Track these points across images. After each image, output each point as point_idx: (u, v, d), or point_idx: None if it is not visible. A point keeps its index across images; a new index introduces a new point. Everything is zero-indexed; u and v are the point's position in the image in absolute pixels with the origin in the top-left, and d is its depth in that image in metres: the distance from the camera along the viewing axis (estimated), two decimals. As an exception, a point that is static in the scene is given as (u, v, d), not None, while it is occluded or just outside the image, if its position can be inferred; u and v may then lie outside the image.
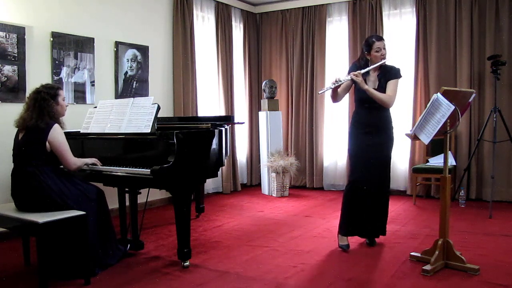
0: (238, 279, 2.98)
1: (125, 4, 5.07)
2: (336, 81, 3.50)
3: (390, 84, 3.53)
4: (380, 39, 3.56)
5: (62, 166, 3.12)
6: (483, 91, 5.45)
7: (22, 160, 2.98)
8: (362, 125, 3.60)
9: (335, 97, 3.65)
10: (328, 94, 3.79)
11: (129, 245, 3.49)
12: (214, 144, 3.38)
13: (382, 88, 3.54)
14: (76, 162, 3.11)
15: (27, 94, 3.19)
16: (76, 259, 2.92)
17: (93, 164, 3.26)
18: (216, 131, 3.40)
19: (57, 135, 2.97)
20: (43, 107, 2.97)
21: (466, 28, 5.49)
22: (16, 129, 3.10)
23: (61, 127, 3.07)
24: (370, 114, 3.58)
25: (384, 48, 3.52)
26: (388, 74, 3.56)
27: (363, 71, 3.48)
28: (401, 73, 3.60)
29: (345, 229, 3.63)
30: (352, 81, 3.52)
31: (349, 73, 3.62)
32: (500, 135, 4.92)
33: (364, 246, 3.67)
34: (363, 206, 3.57)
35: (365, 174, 3.55)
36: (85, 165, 3.21)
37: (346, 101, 3.74)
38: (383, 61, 3.53)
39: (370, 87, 3.49)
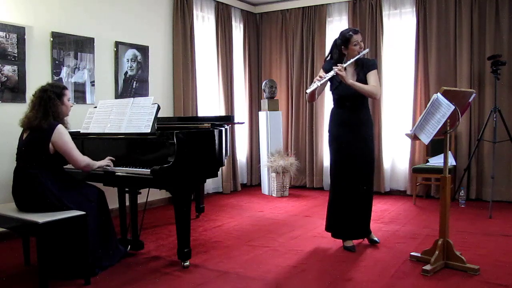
0: (238, 279, 2.98)
1: (125, 4, 5.07)
2: (321, 77, 3.41)
3: (371, 75, 3.47)
4: (357, 32, 3.49)
5: (65, 167, 3.12)
6: (483, 91, 5.45)
7: (24, 160, 2.98)
8: (343, 124, 3.54)
9: (314, 96, 3.56)
10: (307, 97, 3.68)
11: (129, 246, 3.50)
12: (214, 144, 3.38)
13: (361, 81, 3.47)
14: (84, 159, 3.08)
15: (27, 94, 3.20)
16: (76, 259, 2.92)
17: (107, 165, 3.23)
18: (216, 131, 3.40)
19: (60, 135, 2.96)
20: (48, 106, 2.97)
21: (466, 28, 5.49)
22: (20, 129, 3.09)
23: (66, 127, 3.06)
24: (351, 113, 3.53)
25: (361, 41, 3.47)
26: (366, 66, 3.50)
27: (345, 64, 3.40)
28: (377, 64, 3.59)
29: (343, 233, 3.62)
30: (330, 79, 3.46)
31: (324, 70, 3.54)
32: (500, 135, 4.91)
33: (364, 246, 3.67)
34: (350, 207, 3.56)
35: (350, 176, 3.53)
36: (98, 167, 3.19)
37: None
38: (364, 52, 3.45)
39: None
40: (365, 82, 3.47)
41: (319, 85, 3.43)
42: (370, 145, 3.59)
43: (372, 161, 3.63)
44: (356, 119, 3.54)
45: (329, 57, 3.65)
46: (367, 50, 3.53)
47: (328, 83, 3.60)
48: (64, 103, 3.08)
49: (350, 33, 3.47)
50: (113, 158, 3.27)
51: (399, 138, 5.93)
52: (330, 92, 3.68)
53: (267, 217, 4.83)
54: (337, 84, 3.50)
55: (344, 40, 3.48)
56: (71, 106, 3.19)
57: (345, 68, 3.39)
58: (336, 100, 3.61)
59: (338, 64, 3.39)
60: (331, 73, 3.38)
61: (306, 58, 6.58)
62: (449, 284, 2.84)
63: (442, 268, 3.09)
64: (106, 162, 3.23)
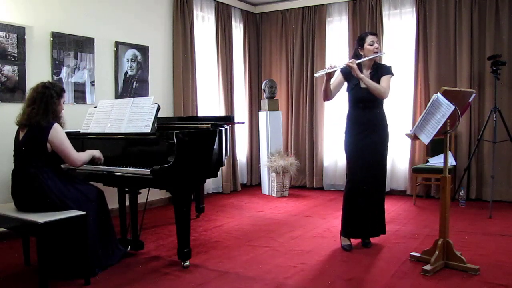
0: (238, 279, 2.98)
1: (125, 4, 5.06)
2: (331, 66, 3.49)
3: (384, 79, 3.55)
4: (373, 33, 3.63)
5: (63, 166, 3.12)
6: (483, 91, 5.45)
7: (23, 160, 2.98)
8: (358, 125, 3.59)
9: (327, 93, 3.62)
10: (321, 94, 3.78)
11: (129, 247, 3.49)
12: (214, 144, 3.38)
13: None
14: (80, 157, 3.08)
15: (28, 92, 3.17)
16: (76, 259, 2.92)
17: (99, 157, 3.24)
18: (216, 131, 3.40)
19: (57, 134, 2.96)
20: (48, 104, 2.96)
21: (466, 28, 5.49)
22: (16, 128, 3.08)
23: (62, 126, 3.06)
24: (365, 113, 3.57)
25: (377, 43, 3.56)
26: (381, 71, 3.59)
27: (358, 61, 3.50)
28: (393, 70, 3.62)
29: (347, 231, 3.63)
30: (344, 74, 3.55)
31: (342, 73, 3.62)
32: (500, 135, 4.91)
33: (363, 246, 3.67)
34: (363, 207, 3.57)
35: (363, 174, 3.55)
36: (90, 155, 3.18)
37: (346, 101, 3.73)
38: (379, 54, 3.55)
39: (362, 85, 3.50)
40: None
41: (326, 72, 3.49)
42: (382, 145, 3.61)
43: (384, 161, 3.66)
44: (369, 119, 3.57)
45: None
46: (383, 53, 3.68)
47: (345, 85, 3.67)
48: (61, 104, 3.09)
49: (366, 33, 3.64)
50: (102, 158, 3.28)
51: (399, 138, 5.92)
52: (346, 94, 3.72)
53: (267, 217, 4.83)
54: (353, 86, 3.58)
55: (360, 39, 3.61)
56: (63, 109, 3.19)
57: (361, 70, 3.51)
58: (351, 102, 3.66)
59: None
60: (342, 64, 3.49)
61: (306, 58, 6.58)
62: (449, 284, 2.84)
63: (442, 268, 3.09)
64: (98, 152, 3.24)
